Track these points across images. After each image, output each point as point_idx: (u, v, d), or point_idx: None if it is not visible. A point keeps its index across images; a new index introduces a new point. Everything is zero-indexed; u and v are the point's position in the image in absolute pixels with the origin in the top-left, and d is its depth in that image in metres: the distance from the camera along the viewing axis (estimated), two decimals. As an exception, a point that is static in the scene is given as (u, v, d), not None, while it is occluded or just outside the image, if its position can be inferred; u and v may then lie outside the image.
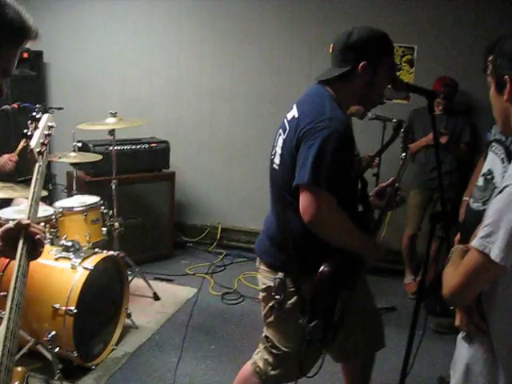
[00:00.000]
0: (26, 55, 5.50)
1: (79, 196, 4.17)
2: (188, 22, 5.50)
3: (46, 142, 1.72)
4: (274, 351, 2.32)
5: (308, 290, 2.09)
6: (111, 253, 3.53)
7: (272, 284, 2.21)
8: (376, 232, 2.31)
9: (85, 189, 4.46)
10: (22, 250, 1.43)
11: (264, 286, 2.30)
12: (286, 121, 2.18)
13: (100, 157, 4.25)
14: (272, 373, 2.34)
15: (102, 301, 3.45)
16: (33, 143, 1.67)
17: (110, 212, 4.11)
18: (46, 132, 1.74)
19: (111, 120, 4.03)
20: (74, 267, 3.18)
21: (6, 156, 4.10)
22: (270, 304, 2.25)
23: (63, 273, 3.17)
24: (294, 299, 2.17)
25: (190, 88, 5.61)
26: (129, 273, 3.86)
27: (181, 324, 3.98)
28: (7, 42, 1.26)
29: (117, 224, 4.13)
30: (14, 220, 3.29)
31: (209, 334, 3.88)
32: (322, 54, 4.62)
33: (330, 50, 2.18)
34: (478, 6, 4.64)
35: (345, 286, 2.15)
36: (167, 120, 5.62)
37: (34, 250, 1.46)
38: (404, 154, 2.44)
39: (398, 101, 4.92)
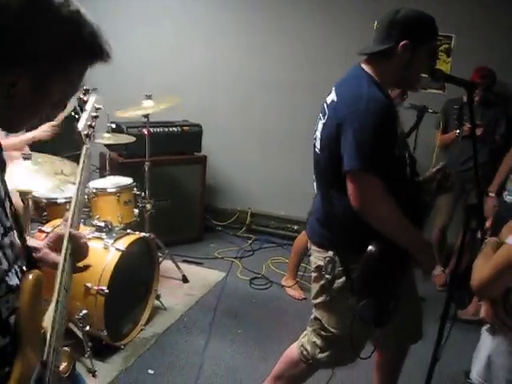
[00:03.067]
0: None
1: (112, 177, 4.21)
2: (225, 8, 5.47)
3: (93, 124, 1.71)
4: (322, 333, 2.30)
5: (356, 269, 2.08)
6: (143, 234, 3.55)
7: (322, 263, 2.21)
8: (428, 214, 2.29)
9: (117, 170, 4.49)
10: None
11: (315, 266, 2.30)
12: (325, 105, 2.18)
13: (133, 138, 4.27)
14: (320, 356, 2.32)
15: (133, 281, 3.49)
16: (80, 125, 1.66)
17: (142, 194, 4.14)
18: (94, 114, 1.74)
19: (146, 102, 4.04)
20: (106, 247, 3.22)
21: (47, 124, 4.02)
22: (321, 283, 2.25)
23: (96, 253, 3.20)
24: (343, 278, 2.16)
25: (226, 74, 5.60)
26: (159, 255, 3.90)
27: (209, 307, 4.01)
28: (76, 59, 1.20)
29: (148, 206, 4.16)
30: (48, 198, 3.33)
31: (236, 318, 3.91)
32: (359, 44, 4.56)
33: (375, 27, 2.15)
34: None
35: (397, 269, 2.12)
36: (201, 104, 5.61)
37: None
38: (458, 131, 2.38)
39: (434, 90, 4.84)
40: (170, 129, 5.05)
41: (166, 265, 4.38)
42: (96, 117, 1.74)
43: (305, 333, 2.44)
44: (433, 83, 4.67)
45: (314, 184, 2.36)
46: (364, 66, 2.14)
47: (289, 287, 4.39)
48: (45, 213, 3.63)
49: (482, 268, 1.58)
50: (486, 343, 1.71)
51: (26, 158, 3.00)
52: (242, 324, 3.82)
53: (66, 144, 4.41)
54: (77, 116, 1.75)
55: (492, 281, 1.53)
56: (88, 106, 1.74)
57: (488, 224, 3.34)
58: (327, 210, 2.20)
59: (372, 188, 1.97)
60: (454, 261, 4.54)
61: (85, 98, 1.77)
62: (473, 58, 4.58)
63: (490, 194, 4.00)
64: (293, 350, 2.48)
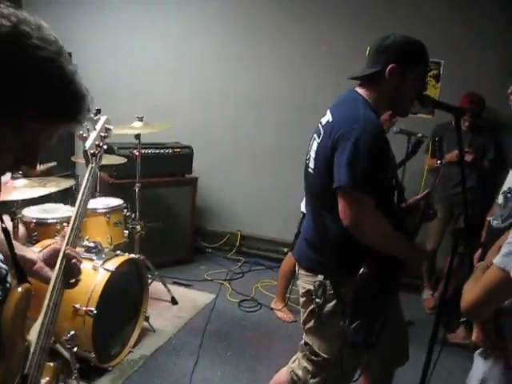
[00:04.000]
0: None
1: (102, 198, 4.21)
2: (214, 27, 5.53)
3: (101, 143, 1.71)
4: (313, 358, 2.29)
5: (348, 292, 2.08)
6: (132, 255, 3.55)
7: (312, 287, 2.21)
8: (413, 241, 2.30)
9: (107, 191, 4.50)
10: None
11: (304, 291, 2.29)
12: (320, 126, 2.20)
13: (124, 159, 4.29)
14: (311, 381, 2.30)
15: (122, 303, 3.47)
16: (87, 144, 1.67)
17: (132, 215, 4.14)
18: (103, 134, 1.75)
19: (137, 124, 4.07)
20: (95, 268, 3.21)
21: None
22: (310, 308, 2.24)
23: (85, 273, 3.12)
24: (333, 302, 2.16)
25: (216, 93, 5.64)
26: (148, 276, 3.88)
27: (198, 329, 3.99)
28: (44, 116, 1.00)
29: (138, 227, 4.16)
30: (38, 219, 3.32)
31: (226, 340, 3.89)
32: (350, 61, 4.64)
33: (366, 53, 2.20)
34: (509, 24, 4.61)
35: (387, 289, 2.14)
36: (192, 125, 5.65)
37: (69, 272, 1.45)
38: (439, 162, 2.42)
39: (423, 115, 4.90)
40: (161, 150, 5.07)
41: (156, 286, 4.37)
42: (105, 137, 1.74)
43: (295, 357, 2.43)
44: (422, 108, 4.74)
45: (302, 204, 2.37)
46: (358, 89, 2.18)
47: (278, 310, 4.38)
48: (35, 233, 3.61)
49: (471, 290, 1.60)
50: (479, 367, 1.71)
51: (15, 178, 3.00)
52: (231, 346, 3.80)
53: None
54: (84, 135, 1.75)
55: (481, 302, 1.54)
56: (98, 126, 1.75)
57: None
58: (319, 231, 2.21)
59: (362, 203, 1.99)
60: (442, 284, 4.56)
61: (95, 118, 1.78)
62: (462, 84, 4.65)
63: (488, 219, 4.02)
64: (282, 375, 2.46)
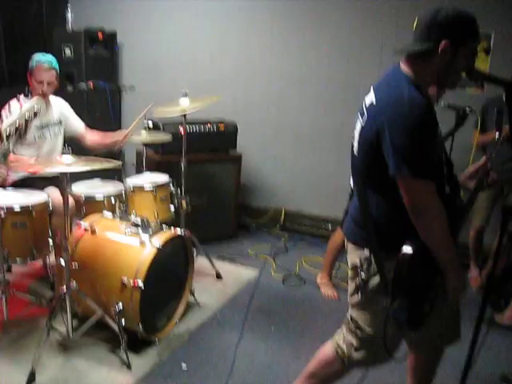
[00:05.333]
0: (100, 36, 5.66)
1: (149, 174, 4.28)
2: (260, 5, 5.48)
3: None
4: (358, 332, 2.30)
5: (390, 269, 2.06)
6: (178, 231, 3.60)
7: (358, 262, 2.21)
8: (467, 213, 2.28)
9: (153, 167, 4.57)
10: None
11: (351, 265, 2.29)
12: (364, 106, 2.15)
13: (170, 136, 4.34)
14: (355, 355, 2.32)
15: (168, 277, 3.53)
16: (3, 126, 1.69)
17: (178, 191, 4.20)
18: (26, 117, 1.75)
19: (183, 100, 4.08)
20: (142, 243, 3.26)
21: (120, 133, 4.12)
22: (356, 282, 2.24)
23: (132, 248, 3.26)
24: (377, 278, 2.15)
25: (260, 71, 5.61)
26: (194, 251, 3.94)
27: (242, 304, 4.04)
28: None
29: (184, 203, 4.21)
30: (86, 194, 3.39)
31: (269, 315, 3.92)
32: (394, 41, 4.55)
33: (414, 25, 2.12)
34: None
35: (431, 271, 2.10)
36: (236, 102, 5.66)
37: None
38: (498, 134, 2.35)
39: (472, 89, 4.78)
40: (206, 127, 5.09)
41: (201, 261, 4.43)
42: (27, 121, 1.75)
43: (339, 331, 2.44)
44: (471, 82, 4.61)
45: (351, 182, 2.35)
46: (403, 65, 2.11)
47: (323, 284, 4.38)
48: (83, 208, 3.72)
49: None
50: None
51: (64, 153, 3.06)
52: (274, 322, 3.83)
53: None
54: None
55: None
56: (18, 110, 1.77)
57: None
58: (363, 209, 2.20)
59: (421, 191, 1.96)
60: (490, 263, 4.48)
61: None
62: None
63: None
64: (327, 349, 2.47)
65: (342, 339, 2.39)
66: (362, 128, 2.12)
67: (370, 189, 2.13)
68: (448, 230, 2.02)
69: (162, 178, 4.17)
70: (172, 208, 4.15)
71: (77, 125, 4.15)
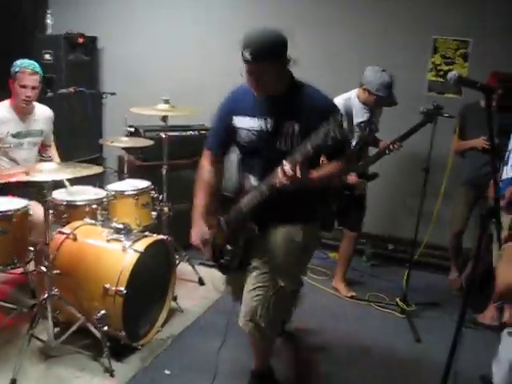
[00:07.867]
0: (80, 40, 5.63)
1: (130, 180, 4.26)
2: (244, 12, 5.50)
3: None
4: None
5: None
6: (161, 237, 3.60)
7: None
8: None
9: (135, 173, 4.55)
10: None
11: None
12: None
13: (151, 142, 4.33)
14: None
15: (150, 283, 3.52)
16: None
17: (160, 197, 4.19)
18: None
19: (163, 106, 4.09)
20: (124, 249, 3.25)
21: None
22: None
23: (114, 254, 3.25)
24: None
25: (241, 78, 5.60)
26: (176, 257, 3.93)
27: (225, 310, 4.01)
28: None
29: (166, 209, 4.21)
30: (67, 201, 3.35)
31: (252, 320, 3.91)
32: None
33: None
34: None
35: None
36: (217, 107, 5.64)
37: None
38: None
39: (450, 95, 4.84)
40: (187, 133, 5.09)
41: (183, 267, 4.42)
42: None
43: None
44: (449, 88, 4.69)
45: None
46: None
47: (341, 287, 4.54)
48: (64, 215, 3.69)
49: (507, 272, 1.58)
50: (509, 346, 1.69)
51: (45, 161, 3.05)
52: (257, 326, 3.82)
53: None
54: None
55: None
56: None
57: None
58: None
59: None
60: (470, 266, 4.54)
61: None
62: (491, 63, 4.56)
63: None
64: None
65: None
66: None
67: None
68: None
69: (144, 183, 4.16)
70: (154, 214, 4.13)
71: (50, 138, 4.16)
